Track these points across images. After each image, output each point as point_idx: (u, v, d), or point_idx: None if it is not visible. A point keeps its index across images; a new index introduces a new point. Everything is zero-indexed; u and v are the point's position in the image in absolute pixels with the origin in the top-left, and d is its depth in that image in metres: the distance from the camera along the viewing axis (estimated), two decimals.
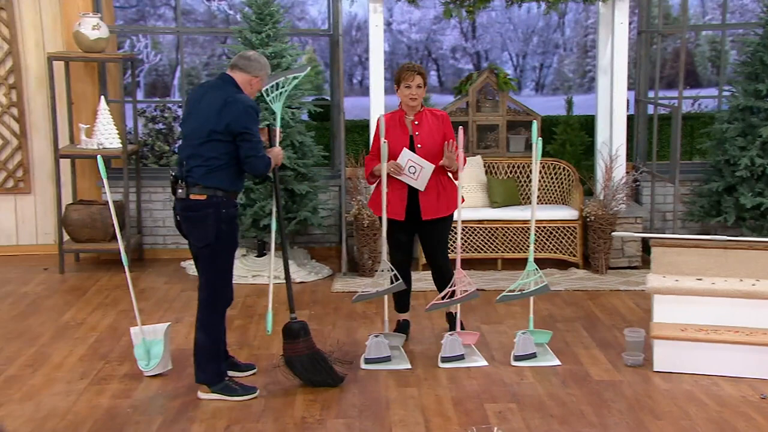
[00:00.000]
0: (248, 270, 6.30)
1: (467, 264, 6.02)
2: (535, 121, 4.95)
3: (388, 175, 4.57)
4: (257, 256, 6.42)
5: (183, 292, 5.92)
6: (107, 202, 6.37)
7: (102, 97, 6.45)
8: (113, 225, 6.42)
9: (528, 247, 5.94)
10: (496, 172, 6.84)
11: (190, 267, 6.53)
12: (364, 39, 13.22)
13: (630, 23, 6.62)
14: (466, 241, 6.39)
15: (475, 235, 6.44)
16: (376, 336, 4.56)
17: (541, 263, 5.50)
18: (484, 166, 6.78)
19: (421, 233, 4.80)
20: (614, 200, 6.35)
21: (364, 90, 12.72)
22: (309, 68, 4.81)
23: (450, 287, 4.66)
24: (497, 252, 6.46)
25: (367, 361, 4.51)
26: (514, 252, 6.44)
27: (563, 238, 6.45)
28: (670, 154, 6.55)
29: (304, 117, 6.77)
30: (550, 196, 6.81)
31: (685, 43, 6.45)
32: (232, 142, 3.94)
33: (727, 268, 4.56)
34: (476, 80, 6.94)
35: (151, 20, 13.03)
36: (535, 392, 4.19)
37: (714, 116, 6.87)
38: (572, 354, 4.70)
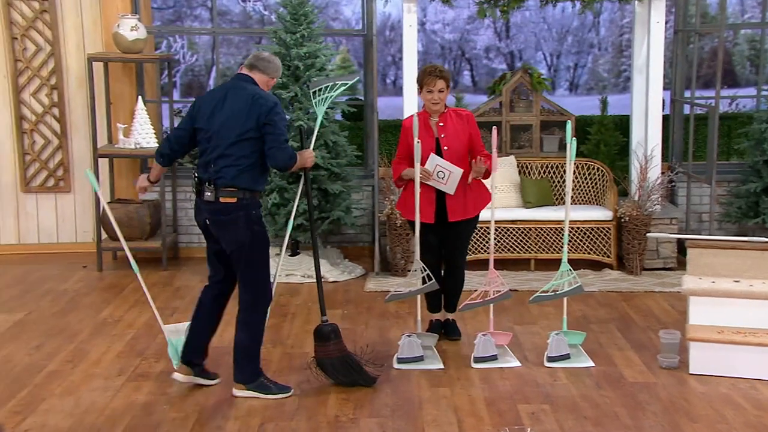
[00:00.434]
0: (281, 269, 6.33)
1: (500, 264, 6.00)
2: (569, 121, 4.93)
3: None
4: (290, 255, 6.47)
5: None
6: (143, 201, 6.50)
7: (139, 97, 6.55)
8: (149, 224, 6.54)
9: (561, 247, 5.91)
10: (529, 173, 6.81)
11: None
12: (397, 39, 13.23)
13: (666, 22, 6.56)
14: (498, 242, 6.38)
15: (508, 235, 6.42)
16: (409, 336, 4.57)
17: (575, 264, 5.47)
18: (518, 166, 6.76)
19: (445, 233, 4.79)
20: (649, 201, 6.29)
21: (397, 90, 12.74)
22: (358, 77, 4.84)
23: (483, 287, 4.66)
24: (530, 252, 6.43)
25: (400, 360, 4.53)
26: (547, 252, 6.41)
27: (597, 238, 6.41)
28: (707, 155, 6.47)
29: (338, 117, 6.80)
30: (584, 197, 6.77)
31: (723, 42, 6.38)
32: (261, 138, 3.95)
33: (765, 270, 4.49)
34: (510, 80, 6.92)
35: (187, 21, 13.17)
36: (569, 393, 4.17)
37: (752, 116, 6.78)
38: (606, 355, 4.67)
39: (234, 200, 3.96)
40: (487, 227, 5.06)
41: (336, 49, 7.62)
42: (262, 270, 4.11)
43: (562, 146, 6.93)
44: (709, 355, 4.35)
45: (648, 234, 5.70)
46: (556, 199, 6.75)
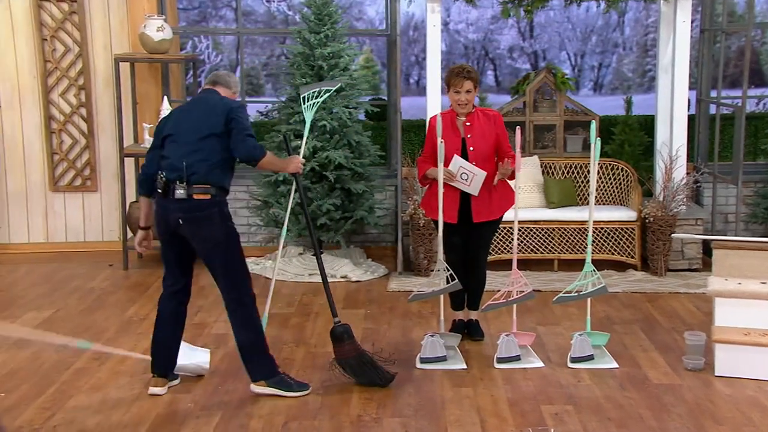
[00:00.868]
0: (304, 268, 6.38)
1: (523, 265, 5.99)
2: (593, 121, 4.91)
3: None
4: (313, 255, 6.49)
5: (269, 290, 6.00)
6: None
7: (165, 97, 6.60)
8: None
9: (585, 248, 5.88)
10: (552, 173, 6.79)
11: (249, 265, 6.63)
12: (421, 39, 13.23)
13: (692, 21, 6.51)
14: (522, 242, 6.37)
15: (532, 235, 6.41)
16: (432, 335, 4.58)
17: (599, 264, 5.45)
18: (541, 167, 6.74)
19: (468, 232, 4.79)
20: (674, 201, 6.25)
21: (420, 90, 12.73)
22: (340, 84, 4.83)
23: (506, 288, 4.66)
24: (554, 253, 6.42)
25: (423, 360, 4.54)
26: (570, 253, 6.39)
27: (621, 239, 6.38)
28: (733, 155, 6.42)
29: (361, 117, 6.82)
30: (608, 197, 6.73)
31: (751, 41, 6.32)
32: (227, 136, 3.96)
33: None
34: (533, 80, 6.90)
35: (212, 21, 13.26)
36: (593, 394, 4.15)
37: None
38: (630, 357, 4.65)
39: (208, 197, 3.93)
40: (511, 227, 5.07)
41: (359, 49, 7.63)
42: (242, 265, 4.06)
43: (586, 146, 6.90)
44: (735, 357, 4.31)
45: (673, 235, 5.66)
46: (580, 199, 6.72)
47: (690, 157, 6.84)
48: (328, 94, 4.70)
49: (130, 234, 6.65)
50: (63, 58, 6.86)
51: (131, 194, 6.84)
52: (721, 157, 6.92)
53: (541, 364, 4.53)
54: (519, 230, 6.23)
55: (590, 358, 4.54)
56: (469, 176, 4.61)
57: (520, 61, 14.88)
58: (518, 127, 4.72)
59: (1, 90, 6.88)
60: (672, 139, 6.47)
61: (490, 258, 5.77)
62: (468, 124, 4.69)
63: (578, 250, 6.35)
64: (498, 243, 6.34)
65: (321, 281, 6.07)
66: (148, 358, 4.25)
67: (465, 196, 4.69)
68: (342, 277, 6.25)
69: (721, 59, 6.84)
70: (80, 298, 5.81)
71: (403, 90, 6.97)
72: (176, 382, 4.24)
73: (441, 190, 4.58)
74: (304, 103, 4.64)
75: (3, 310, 5.54)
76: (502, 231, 6.27)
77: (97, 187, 7.02)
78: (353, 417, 3.91)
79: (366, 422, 3.86)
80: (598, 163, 6.43)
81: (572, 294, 4.66)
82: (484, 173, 4.61)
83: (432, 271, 4.98)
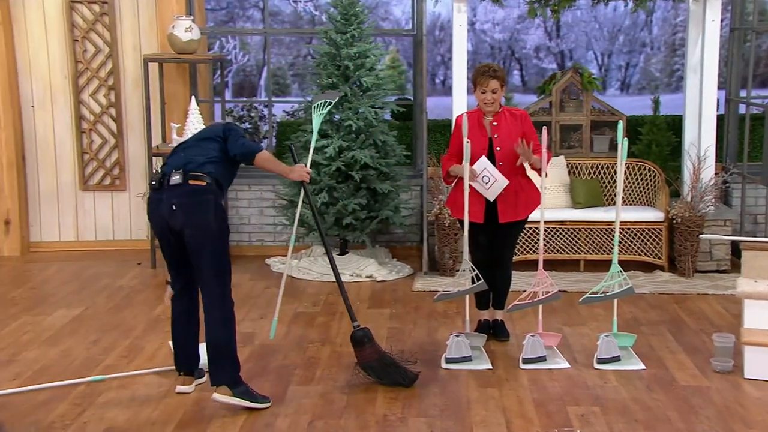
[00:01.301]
0: (329, 268, 6.39)
1: (549, 265, 5.96)
2: (621, 121, 4.88)
3: None
4: (339, 254, 6.52)
5: (267, 288, 6.07)
6: None
7: (192, 97, 6.66)
8: None
9: (611, 248, 5.85)
10: (579, 173, 6.76)
11: (274, 264, 6.69)
12: (447, 39, 13.19)
13: (722, 20, 6.44)
14: (548, 242, 6.35)
15: (558, 235, 6.38)
16: (458, 336, 4.58)
17: (625, 265, 5.41)
18: (567, 167, 6.71)
19: (494, 231, 4.78)
20: (702, 202, 6.20)
21: (446, 90, 12.70)
22: (339, 96, 4.82)
23: (532, 288, 4.65)
24: (580, 253, 6.39)
25: (448, 360, 4.54)
26: (596, 253, 6.35)
27: (648, 240, 6.33)
28: (763, 155, 6.34)
29: (387, 116, 6.83)
30: (635, 197, 6.69)
31: None
32: (224, 142, 4.05)
33: None
34: (560, 80, 6.87)
35: (239, 22, 13.34)
36: (619, 396, 4.13)
37: None
38: (657, 358, 4.62)
39: (203, 183, 3.91)
40: (537, 227, 5.04)
41: (386, 49, 7.65)
42: (227, 261, 3.99)
43: (613, 146, 6.86)
44: (765, 359, 4.27)
45: (701, 236, 5.60)
46: (606, 199, 6.69)
47: (718, 157, 6.77)
48: (330, 106, 4.67)
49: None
50: (93, 59, 6.94)
51: None
52: (750, 158, 6.84)
53: (567, 365, 4.52)
54: (545, 230, 6.19)
55: (617, 359, 4.52)
56: (491, 180, 4.59)
57: (547, 60, 14.81)
58: (545, 127, 4.71)
59: (34, 90, 6.98)
60: (700, 139, 6.41)
61: (515, 258, 5.77)
62: (495, 123, 4.67)
63: (604, 251, 6.32)
64: (524, 243, 6.32)
65: (346, 281, 6.15)
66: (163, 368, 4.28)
67: None
68: (367, 277, 6.27)
69: (751, 58, 6.77)
70: (109, 296, 5.89)
71: (429, 90, 6.97)
72: (203, 380, 4.28)
73: (467, 190, 4.58)
74: (314, 112, 4.63)
75: (35, 307, 5.63)
76: (528, 231, 6.26)
77: (125, 186, 7.10)
78: (379, 416, 3.92)
79: (391, 422, 3.87)
80: (625, 164, 6.39)
81: (599, 295, 4.64)
82: (506, 182, 4.59)
83: (457, 271, 4.98)
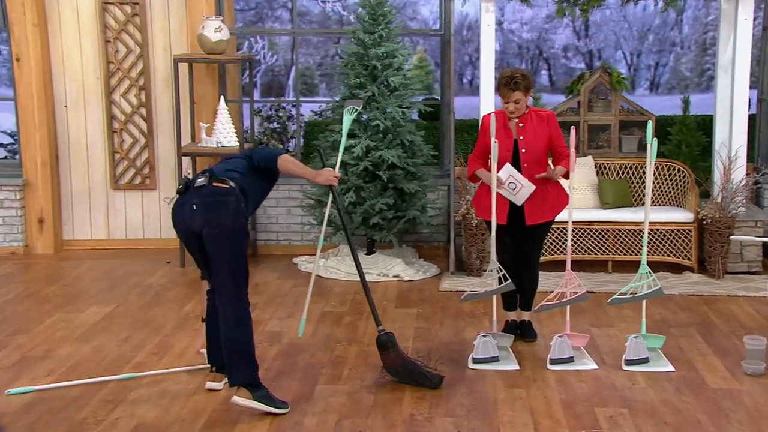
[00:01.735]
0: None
1: (577, 266, 5.94)
2: (650, 120, 4.85)
3: None
4: (366, 254, 6.54)
5: (294, 287, 6.10)
6: None
7: (221, 97, 6.72)
8: None
9: (639, 249, 5.81)
10: (607, 173, 6.72)
11: (302, 263, 6.73)
12: (474, 38, 13.17)
13: (754, 19, 6.37)
14: (575, 243, 6.32)
15: (585, 236, 6.35)
16: (485, 336, 4.58)
17: (654, 266, 5.38)
18: (595, 167, 6.67)
19: (521, 233, 4.77)
20: (733, 203, 6.13)
21: (473, 90, 12.69)
22: (359, 108, 4.82)
23: (559, 288, 4.63)
24: (608, 254, 6.35)
25: (475, 360, 4.54)
26: (625, 254, 6.31)
27: (677, 241, 6.28)
28: None
29: (414, 116, 6.84)
30: (664, 198, 6.64)
31: None
32: (251, 161, 4.14)
33: None
34: (588, 79, 6.84)
35: (268, 22, 13.41)
36: (648, 398, 4.11)
37: None
38: (687, 360, 4.59)
39: (226, 186, 3.95)
40: (564, 228, 5.04)
41: (413, 49, 7.66)
42: (243, 263, 3.98)
43: (641, 147, 6.81)
44: None
45: (731, 237, 5.56)
46: (635, 200, 6.64)
47: (750, 157, 6.70)
48: (355, 113, 4.67)
49: None
50: (125, 59, 7.03)
51: None
52: None
53: (594, 366, 4.50)
54: (573, 231, 6.18)
55: (645, 360, 4.49)
56: (517, 186, 4.58)
57: (575, 60, 14.74)
58: (573, 127, 4.69)
59: (68, 91, 7.09)
60: (731, 139, 6.35)
61: (543, 259, 5.75)
62: (521, 125, 4.66)
63: (633, 252, 6.28)
64: (551, 243, 6.30)
65: (373, 280, 6.17)
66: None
67: None
68: (394, 277, 6.29)
69: None
70: (139, 294, 5.96)
71: (457, 90, 6.97)
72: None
73: (494, 191, 4.57)
74: (347, 116, 4.62)
75: (68, 304, 5.72)
76: (556, 231, 6.23)
77: (155, 185, 7.18)
78: (405, 416, 3.93)
79: (418, 421, 3.88)
80: (654, 164, 6.35)
81: (627, 296, 4.61)
82: (532, 187, 4.58)
83: (484, 271, 4.98)
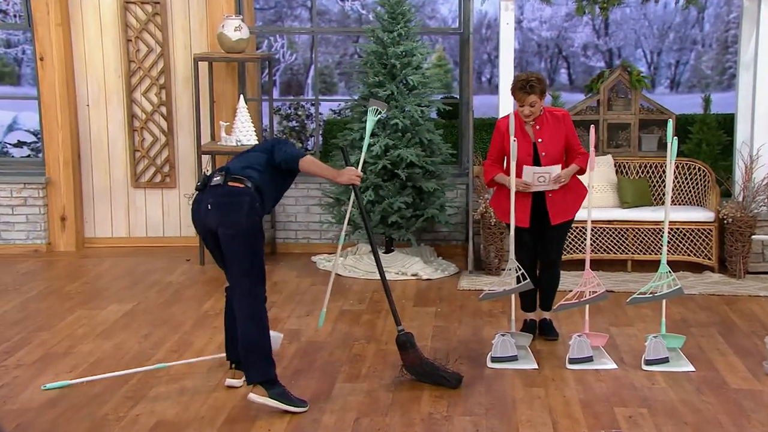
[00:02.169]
0: (375, 266, 6.42)
1: (596, 265, 5.93)
2: (670, 119, 4.82)
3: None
4: (385, 252, 6.55)
5: (313, 285, 6.12)
6: None
7: (241, 95, 6.75)
8: None
9: (659, 248, 5.78)
10: (627, 172, 6.69)
11: (320, 261, 6.75)
12: (494, 37, 13.16)
13: None
14: (595, 242, 6.29)
15: (605, 235, 6.33)
16: (503, 335, 4.57)
17: (674, 266, 5.35)
18: (615, 166, 6.64)
19: (544, 232, 4.76)
20: (754, 202, 6.09)
21: (492, 88, 12.67)
22: (384, 111, 4.80)
23: (578, 288, 4.62)
24: (627, 253, 6.32)
25: (494, 359, 4.54)
26: (644, 254, 6.28)
27: (698, 240, 6.24)
28: None
29: (433, 115, 6.84)
30: (684, 197, 6.60)
31: None
32: (272, 157, 4.11)
33: None
34: (608, 78, 6.81)
35: (287, 21, 13.45)
36: (668, 398, 4.09)
37: None
38: (707, 360, 4.56)
39: (242, 186, 3.97)
40: (584, 227, 5.02)
41: (432, 48, 7.65)
42: (259, 259, 4.00)
43: (661, 145, 6.78)
44: None
45: (753, 236, 5.51)
46: (655, 199, 6.61)
47: None
48: (380, 116, 4.67)
49: None
50: (146, 58, 7.09)
51: None
52: None
53: (614, 365, 4.48)
54: (592, 230, 6.15)
55: (665, 360, 4.47)
56: (546, 176, 4.59)
57: (594, 59, 14.67)
58: (592, 125, 4.67)
59: (90, 90, 7.15)
60: (753, 137, 6.30)
61: (562, 258, 5.73)
62: (538, 127, 4.64)
63: (652, 251, 6.25)
64: (571, 243, 6.28)
65: (392, 279, 6.18)
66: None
67: (537, 200, 4.67)
68: (413, 275, 6.30)
69: None
70: (159, 291, 6.00)
71: (475, 88, 6.96)
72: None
73: (513, 191, 4.57)
74: (371, 116, 4.62)
75: (89, 301, 5.77)
76: (575, 231, 6.22)
77: (175, 183, 7.23)
78: (424, 414, 3.94)
79: (437, 420, 3.89)
80: (674, 163, 6.31)
81: (647, 295, 4.59)
82: (558, 167, 4.59)
83: (503, 270, 4.97)
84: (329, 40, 13.37)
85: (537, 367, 4.49)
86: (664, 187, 6.01)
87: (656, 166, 6.65)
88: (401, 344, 4.28)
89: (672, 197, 6.50)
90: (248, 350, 3.94)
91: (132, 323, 5.28)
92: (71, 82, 7.09)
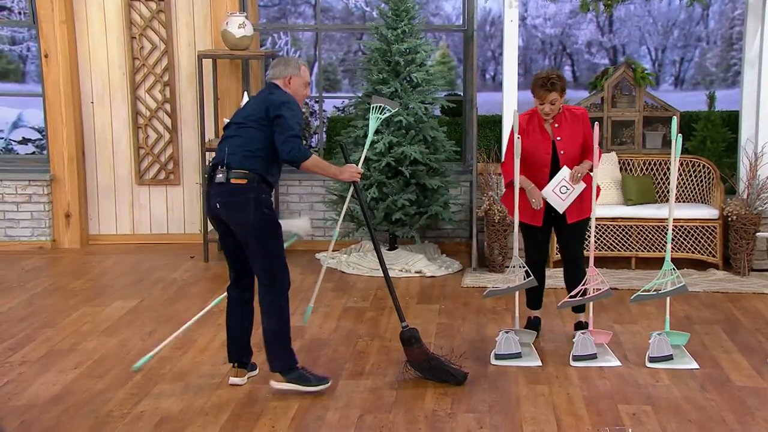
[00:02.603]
0: (378, 263, 6.43)
1: (600, 262, 5.92)
2: (675, 116, 4.81)
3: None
4: (389, 250, 6.55)
5: (316, 283, 6.10)
6: None
7: (245, 92, 6.75)
8: None
9: (663, 246, 5.76)
10: (631, 169, 6.68)
11: (324, 259, 6.74)
12: (497, 34, 13.14)
13: None
14: (599, 239, 6.29)
15: (609, 232, 6.32)
16: (507, 332, 4.58)
17: (678, 263, 5.33)
18: (619, 163, 6.64)
19: (561, 232, 4.75)
20: (759, 199, 6.08)
21: (496, 85, 12.66)
22: (398, 108, 4.77)
23: (582, 285, 4.61)
24: (631, 250, 6.32)
25: (498, 356, 4.54)
26: (648, 251, 6.28)
27: (702, 237, 6.23)
28: None
29: (437, 112, 6.84)
30: (689, 194, 6.59)
31: None
32: (269, 127, 3.99)
33: None
34: (612, 75, 6.80)
35: (291, 18, 13.45)
36: (671, 395, 4.09)
37: None
38: (711, 357, 4.56)
39: (244, 182, 3.97)
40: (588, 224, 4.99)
41: (436, 45, 7.65)
42: (274, 252, 4.05)
43: (665, 143, 6.77)
44: None
45: (757, 234, 5.50)
46: (659, 196, 6.60)
47: None
48: (388, 114, 4.66)
49: (210, 227, 6.83)
50: (150, 55, 7.09)
51: None
52: None
53: (618, 363, 4.48)
54: (596, 227, 6.15)
55: (669, 358, 4.47)
56: (569, 191, 4.53)
57: (599, 56, 14.64)
58: (596, 122, 4.67)
59: (94, 87, 7.16)
60: (758, 135, 6.29)
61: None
62: (557, 125, 4.62)
63: (656, 248, 6.24)
64: None
65: (395, 276, 6.18)
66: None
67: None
68: (416, 272, 6.30)
69: None
70: (163, 288, 6.02)
71: (479, 85, 6.95)
72: (255, 372, 4.35)
73: (517, 189, 4.56)
74: (372, 114, 4.62)
75: (94, 298, 5.79)
76: None
77: (179, 180, 7.24)
78: (428, 411, 3.94)
79: (440, 417, 3.89)
80: (679, 160, 6.30)
81: (651, 293, 4.59)
82: (583, 185, 4.55)
83: (507, 267, 4.97)
84: (333, 37, 13.37)
85: (541, 364, 4.49)
86: (669, 184, 6.01)
87: (660, 164, 6.64)
88: (406, 340, 4.28)
89: (676, 194, 6.50)
90: (268, 342, 4.10)
91: (136, 320, 5.30)
92: (76, 79, 7.10)
